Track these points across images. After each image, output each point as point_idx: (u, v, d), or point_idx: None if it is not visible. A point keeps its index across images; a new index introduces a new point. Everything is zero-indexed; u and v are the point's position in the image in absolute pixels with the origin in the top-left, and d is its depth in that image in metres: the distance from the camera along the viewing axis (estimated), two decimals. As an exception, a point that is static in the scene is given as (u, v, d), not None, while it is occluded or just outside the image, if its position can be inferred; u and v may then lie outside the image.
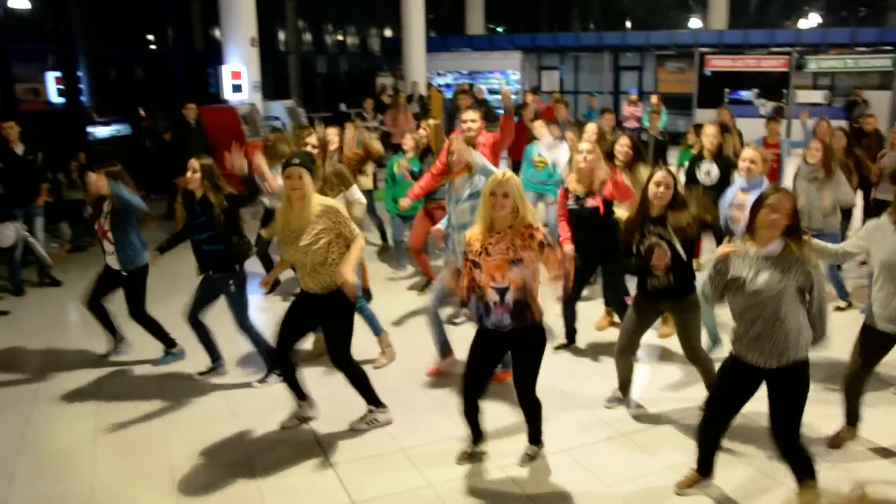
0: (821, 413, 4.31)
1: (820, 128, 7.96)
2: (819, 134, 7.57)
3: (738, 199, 5.26)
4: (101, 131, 12.83)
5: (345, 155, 6.68)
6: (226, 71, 12.96)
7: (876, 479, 3.96)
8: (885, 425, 4.48)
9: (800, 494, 3.58)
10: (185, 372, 5.48)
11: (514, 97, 7.82)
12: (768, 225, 3.35)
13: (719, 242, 4.31)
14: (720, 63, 18.30)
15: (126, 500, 4.00)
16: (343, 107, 17.28)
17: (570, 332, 5.82)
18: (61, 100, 12.33)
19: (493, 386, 4.67)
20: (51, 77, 12.40)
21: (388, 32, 22.01)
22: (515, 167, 10.78)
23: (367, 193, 7.24)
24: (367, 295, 6.55)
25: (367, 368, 5.42)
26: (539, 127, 8.01)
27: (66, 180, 9.25)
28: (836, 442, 4.30)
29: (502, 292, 3.78)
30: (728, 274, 3.48)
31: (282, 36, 18.29)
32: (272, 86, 16.04)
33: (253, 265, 6.95)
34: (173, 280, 6.47)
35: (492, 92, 19.83)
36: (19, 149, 7.48)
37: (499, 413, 4.59)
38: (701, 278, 4.03)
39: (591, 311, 6.28)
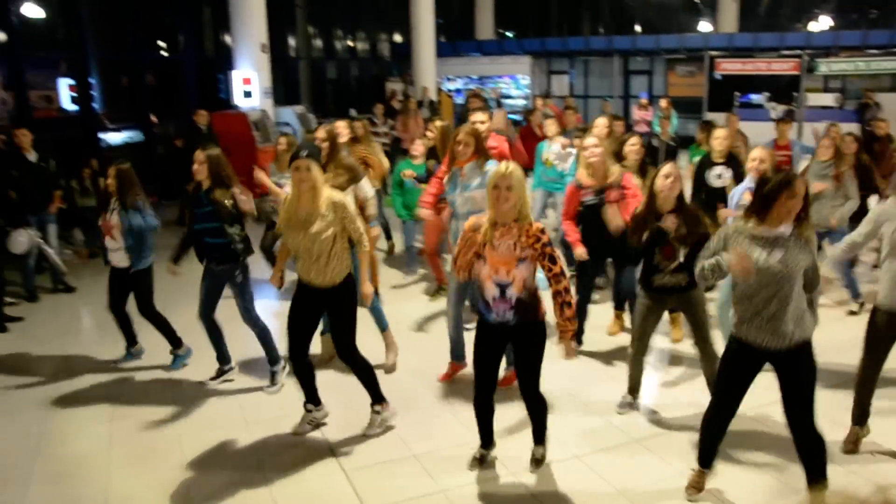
0: (833, 418, 4.27)
1: (831, 130, 7.95)
2: (830, 133, 7.54)
3: (745, 199, 5.25)
4: (113, 138, 12.92)
5: (355, 149, 6.66)
6: (237, 77, 13.03)
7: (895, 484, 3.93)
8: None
9: (813, 495, 3.56)
10: (199, 378, 5.49)
11: (523, 101, 7.85)
12: (787, 210, 3.36)
13: None
14: (730, 66, 18.24)
15: (140, 505, 4.02)
16: (353, 112, 17.31)
17: (579, 333, 5.78)
18: (74, 107, 12.42)
19: (503, 390, 4.68)
20: (64, 84, 12.50)
21: (397, 38, 22.07)
22: (525, 174, 10.79)
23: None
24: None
25: (377, 373, 5.45)
26: (551, 125, 8.01)
27: (79, 187, 9.31)
28: (850, 446, 4.27)
29: (503, 287, 3.78)
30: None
31: (292, 42, 18.37)
32: (283, 91, 16.12)
33: (255, 267, 7.00)
34: (182, 286, 6.49)
35: (503, 96, 19.88)
36: (32, 156, 7.53)
37: (510, 418, 4.59)
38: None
39: (603, 315, 6.26)
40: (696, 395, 5.02)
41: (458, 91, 20.57)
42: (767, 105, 17.74)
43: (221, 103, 14.10)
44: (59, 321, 6.93)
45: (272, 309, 6.79)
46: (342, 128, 6.40)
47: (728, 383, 3.68)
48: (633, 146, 6.04)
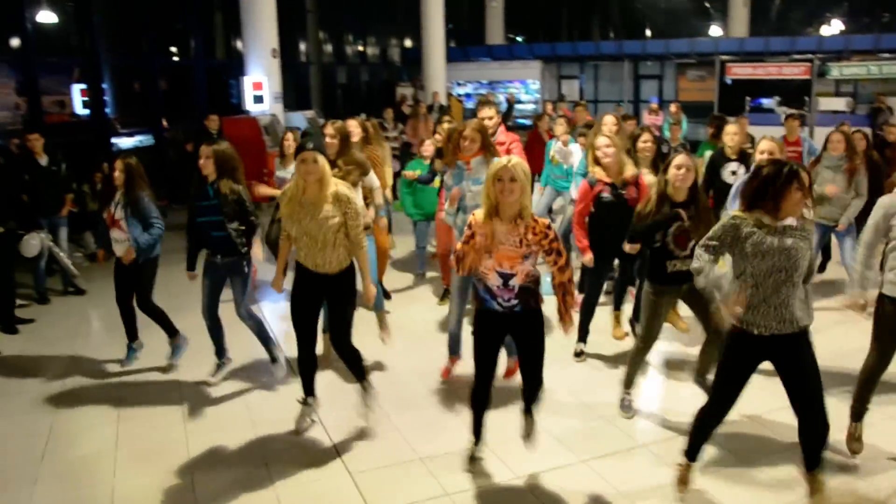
0: (841, 426, 4.25)
1: (843, 126, 7.93)
2: (840, 129, 7.50)
3: None
4: (124, 142, 13.01)
5: (367, 148, 6.64)
6: (247, 82, 13.11)
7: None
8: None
9: (815, 480, 3.59)
10: (205, 379, 5.51)
11: (533, 106, 7.89)
12: (796, 202, 3.35)
13: None
14: (741, 71, 18.19)
15: (146, 506, 4.04)
16: (363, 117, 17.36)
17: (584, 333, 5.73)
18: (86, 111, 12.53)
19: (504, 392, 4.68)
20: (76, 89, 12.61)
21: (408, 43, 22.14)
22: (532, 179, 10.79)
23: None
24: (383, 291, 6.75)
25: (384, 376, 5.47)
26: (559, 125, 8.03)
27: (90, 191, 9.38)
28: (856, 445, 4.25)
29: (506, 277, 3.79)
30: (738, 242, 3.44)
31: (303, 47, 18.46)
32: (293, 96, 16.20)
33: (261, 269, 7.02)
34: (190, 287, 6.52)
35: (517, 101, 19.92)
36: (43, 160, 7.60)
37: (513, 421, 4.58)
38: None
39: (609, 318, 6.24)
40: (701, 400, 5.00)
41: (468, 96, 20.60)
42: (778, 109, 17.66)
43: (232, 108, 14.18)
44: (69, 323, 6.98)
45: (278, 312, 6.81)
46: (354, 127, 6.37)
47: (728, 376, 3.65)
48: (645, 143, 6.03)
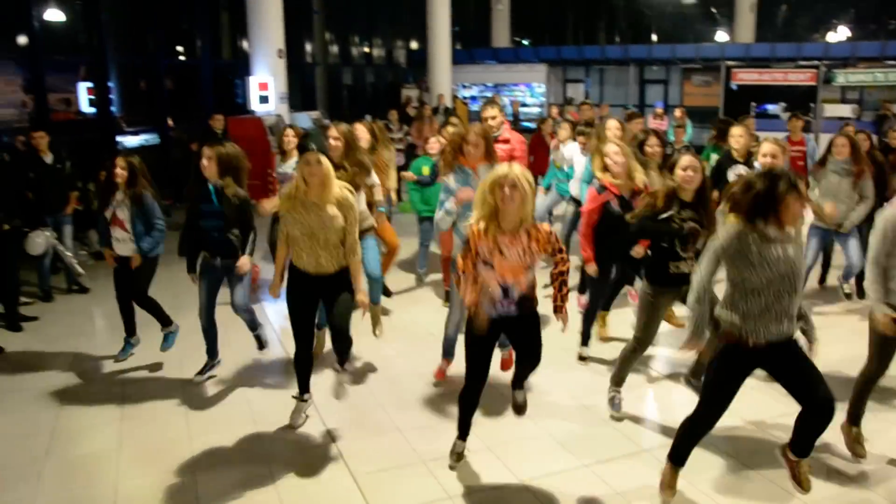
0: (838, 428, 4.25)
1: (846, 128, 7.91)
2: (844, 132, 7.47)
3: None
4: (130, 141, 13.04)
5: (375, 154, 6.62)
6: (253, 82, 13.14)
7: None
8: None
9: (802, 464, 3.63)
10: (210, 378, 5.52)
11: (538, 110, 7.91)
12: (795, 213, 3.36)
13: None
14: (747, 76, 18.18)
15: (148, 505, 4.04)
16: (368, 118, 17.39)
17: (587, 337, 5.76)
18: (92, 110, 12.56)
19: (504, 395, 4.67)
20: (83, 87, 12.64)
21: (413, 45, 22.16)
22: (535, 181, 10.78)
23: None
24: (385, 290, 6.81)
25: (386, 377, 5.47)
26: (563, 129, 8.03)
27: (95, 189, 9.38)
28: (860, 448, 4.25)
29: (508, 288, 3.80)
30: (742, 254, 3.41)
31: (309, 48, 18.50)
32: (299, 97, 16.24)
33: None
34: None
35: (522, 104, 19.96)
36: (48, 158, 7.61)
37: (518, 423, 4.58)
38: None
39: (615, 323, 6.24)
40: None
41: (473, 98, 20.62)
42: (784, 116, 17.66)
43: (238, 108, 14.20)
44: (73, 321, 6.99)
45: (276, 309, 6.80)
46: (363, 132, 6.33)
47: (721, 386, 3.63)
48: (652, 147, 6.01)
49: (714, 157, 7.25)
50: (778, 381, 3.59)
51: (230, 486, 4.12)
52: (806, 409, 3.54)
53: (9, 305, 6.78)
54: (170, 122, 13.75)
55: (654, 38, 25.93)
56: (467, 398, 4.11)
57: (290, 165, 6.90)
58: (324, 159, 4.29)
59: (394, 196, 7.78)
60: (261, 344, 5.58)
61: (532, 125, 15.32)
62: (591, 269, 5.38)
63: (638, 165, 5.34)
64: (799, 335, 3.60)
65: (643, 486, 4.06)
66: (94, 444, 4.66)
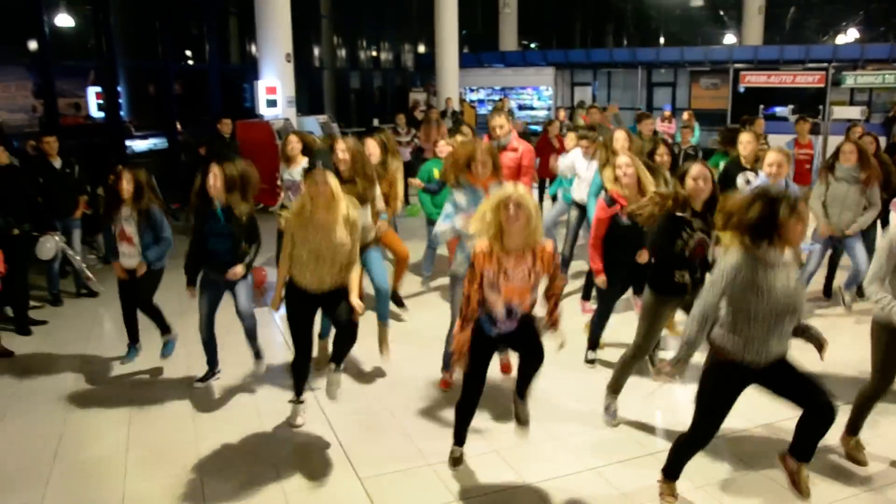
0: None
1: (853, 132, 7.86)
2: (851, 136, 7.43)
3: None
4: (138, 145, 13.10)
5: (386, 170, 6.58)
6: (261, 86, 13.17)
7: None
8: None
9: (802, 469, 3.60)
10: (217, 382, 5.54)
11: (546, 113, 7.90)
12: (797, 236, 3.33)
13: None
14: (755, 79, 18.13)
15: (156, 508, 4.05)
16: (376, 122, 17.43)
17: (596, 342, 5.79)
18: (101, 114, 12.62)
19: (504, 397, 4.66)
20: (92, 92, 12.71)
21: (421, 48, 22.18)
22: (542, 185, 10.76)
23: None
24: (397, 299, 6.82)
25: (393, 380, 5.47)
26: (570, 139, 8.01)
27: (104, 194, 9.42)
28: (858, 458, 4.23)
29: (511, 310, 3.81)
30: (747, 281, 3.36)
31: (316, 52, 18.53)
32: (306, 101, 16.26)
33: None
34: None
35: (521, 108, 19.93)
36: (57, 162, 7.66)
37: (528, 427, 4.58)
38: None
39: (619, 329, 6.22)
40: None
41: (480, 102, 20.63)
42: (792, 118, 17.59)
43: (246, 112, 14.25)
44: (82, 325, 7.02)
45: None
46: (374, 147, 6.25)
47: (714, 404, 3.61)
48: (661, 156, 6.00)
49: (722, 163, 7.22)
50: (776, 394, 3.58)
51: (237, 488, 4.14)
52: (807, 411, 3.53)
53: (18, 309, 6.82)
54: (178, 126, 13.80)
55: (662, 41, 25.87)
56: (464, 408, 4.14)
57: (295, 172, 6.93)
58: (331, 177, 4.31)
59: (399, 204, 7.77)
60: (257, 354, 5.54)
61: (538, 128, 15.33)
62: (601, 280, 5.37)
63: (651, 178, 5.26)
64: (807, 344, 3.59)
65: (651, 490, 4.05)
66: (102, 447, 4.68)
